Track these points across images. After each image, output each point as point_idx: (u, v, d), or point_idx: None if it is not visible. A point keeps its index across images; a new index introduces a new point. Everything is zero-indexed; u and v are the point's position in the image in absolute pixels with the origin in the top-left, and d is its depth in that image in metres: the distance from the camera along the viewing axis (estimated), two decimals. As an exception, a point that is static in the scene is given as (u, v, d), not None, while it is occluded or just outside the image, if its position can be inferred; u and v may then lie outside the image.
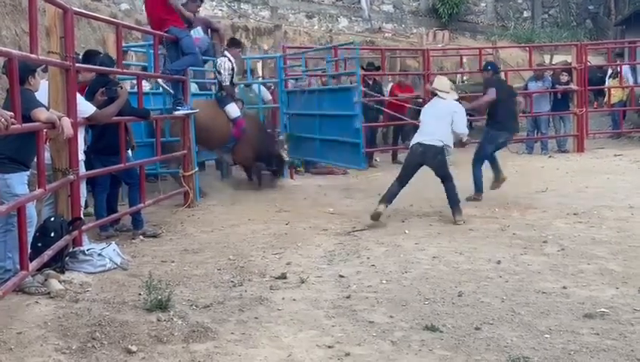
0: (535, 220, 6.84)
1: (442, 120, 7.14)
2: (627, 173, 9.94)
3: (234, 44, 9.64)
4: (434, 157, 7.02)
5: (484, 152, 8.09)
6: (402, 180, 7.11)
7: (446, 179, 7.08)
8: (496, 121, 8.20)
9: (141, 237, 6.45)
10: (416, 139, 7.16)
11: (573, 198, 7.90)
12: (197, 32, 8.56)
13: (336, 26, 19.42)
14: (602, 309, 4.12)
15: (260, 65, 13.18)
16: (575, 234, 6.17)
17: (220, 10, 17.51)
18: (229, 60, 9.05)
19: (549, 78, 13.32)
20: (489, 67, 8.74)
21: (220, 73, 9.03)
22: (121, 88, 6.38)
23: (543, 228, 6.43)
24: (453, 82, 12.35)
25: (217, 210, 7.87)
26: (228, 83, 9.00)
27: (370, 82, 12.12)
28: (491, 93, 8.12)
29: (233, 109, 8.98)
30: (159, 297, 4.28)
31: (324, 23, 19.41)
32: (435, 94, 7.48)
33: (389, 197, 6.97)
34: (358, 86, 8.81)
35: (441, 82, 7.62)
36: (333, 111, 9.18)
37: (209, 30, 9.25)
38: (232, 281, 4.96)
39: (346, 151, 8.96)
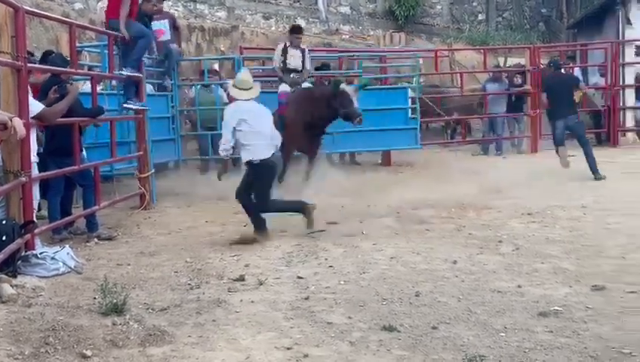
0: (490, 220, 6.94)
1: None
2: (579, 173, 10.11)
3: (294, 31, 9.59)
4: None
5: (554, 138, 10.00)
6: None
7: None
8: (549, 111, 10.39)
9: (96, 240, 6.35)
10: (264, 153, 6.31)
11: (528, 198, 8.02)
12: (163, 25, 8.54)
13: (294, 27, 19.43)
14: (556, 307, 4.19)
15: (217, 65, 13.09)
16: (529, 233, 6.28)
17: (176, 10, 17.34)
18: (285, 45, 9.20)
19: (506, 80, 13.57)
20: (551, 64, 10.85)
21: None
22: (71, 85, 6.27)
23: (498, 228, 6.52)
24: (409, 83, 12.51)
25: (174, 212, 7.79)
26: (277, 65, 9.20)
27: (327, 83, 12.15)
28: (543, 97, 10.64)
29: (282, 88, 9.04)
30: (114, 301, 4.21)
31: (282, 23, 19.39)
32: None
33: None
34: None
35: (242, 78, 6.59)
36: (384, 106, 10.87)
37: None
38: (189, 284, 4.91)
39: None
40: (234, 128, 6.28)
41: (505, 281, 4.82)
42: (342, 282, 4.94)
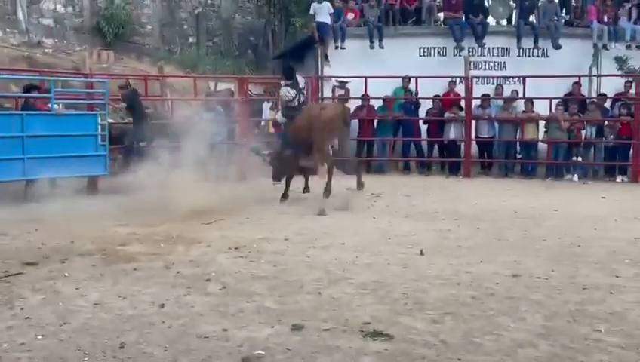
0: (199, 256, 6.95)
1: None
2: (291, 200, 10.66)
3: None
4: None
5: None
6: None
7: None
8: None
9: None
10: None
11: (235, 231, 8.23)
12: None
13: (-10, 37, 17.83)
14: (259, 351, 4.31)
15: None
16: (236, 269, 6.39)
17: None
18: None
19: (221, 109, 13.86)
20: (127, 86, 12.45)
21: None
22: None
23: (207, 265, 6.55)
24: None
25: None
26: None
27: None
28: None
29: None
30: None
31: (-24, 32, 17.68)
32: None
33: None
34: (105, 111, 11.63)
35: None
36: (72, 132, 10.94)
37: None
38: None
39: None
40: None
41: (211, 325, 4.84)
42: (39, 336, 4.58)
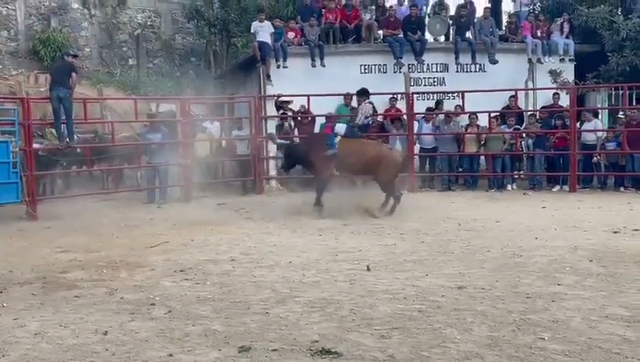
0: (143, 280, 6.81)
1: None
2: (229, 222, 10.59)
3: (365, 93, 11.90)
4: None
5: None
6: None
7: None
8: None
9: None
10: None
11: (180, 253, 8.10)
12: None
13: None
14: (206, 376, 4.25)
15: None
16: (182, 293, 6.29)
17: None
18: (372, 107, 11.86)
19: (166, 130, 13.73)
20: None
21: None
22: None
23: (151, 289, 6.43)
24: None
25: None
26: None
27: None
28: None
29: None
30: None
31: None
32: None
33: None
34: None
35: None
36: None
37: None
38: None
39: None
40: None
41: (156, 350, 4.73)
42: (-24, 371, 4.42)
